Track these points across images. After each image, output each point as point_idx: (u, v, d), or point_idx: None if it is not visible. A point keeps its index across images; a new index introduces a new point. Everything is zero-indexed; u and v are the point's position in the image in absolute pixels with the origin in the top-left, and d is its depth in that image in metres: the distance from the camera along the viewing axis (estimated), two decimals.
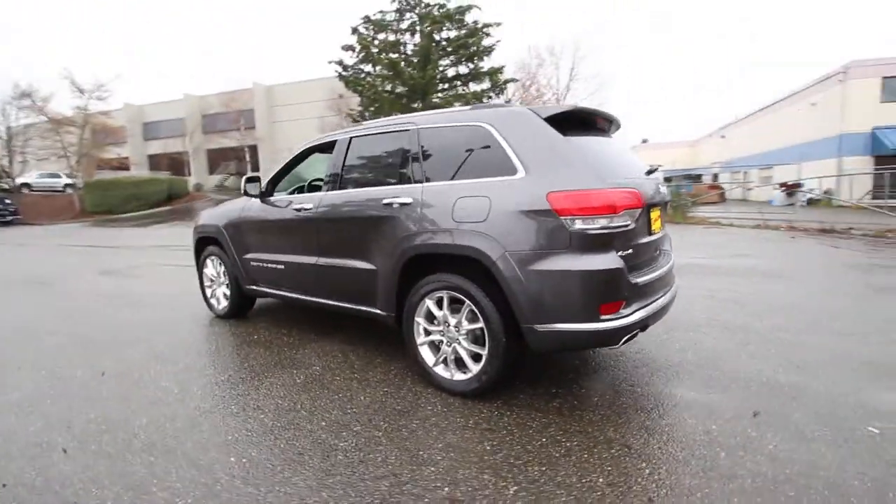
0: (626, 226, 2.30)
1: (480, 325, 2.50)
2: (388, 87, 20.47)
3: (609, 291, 2.23)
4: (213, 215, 4.39)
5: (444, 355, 2.69)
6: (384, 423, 2.38)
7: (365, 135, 3.22)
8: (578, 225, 2.21)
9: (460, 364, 2.65)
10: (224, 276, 4.31)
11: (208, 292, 4.51)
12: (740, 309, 4.32)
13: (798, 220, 11.83)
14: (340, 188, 3.23)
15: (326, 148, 3.60)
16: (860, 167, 19.26)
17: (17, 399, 2.77)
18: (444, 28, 20.12)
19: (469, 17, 20.62)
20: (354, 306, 3.17)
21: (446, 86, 21.46)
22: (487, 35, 20.32)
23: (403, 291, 2.81)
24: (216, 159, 37.62)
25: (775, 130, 25.58)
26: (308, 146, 3.67)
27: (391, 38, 21.33)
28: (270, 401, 2.66)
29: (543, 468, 1.99)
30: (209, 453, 2.14)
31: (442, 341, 2.71)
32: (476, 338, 2.59)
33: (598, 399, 2.60)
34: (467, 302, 2.52)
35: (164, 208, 24.53)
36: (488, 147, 2.55)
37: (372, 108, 20.58)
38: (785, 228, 11.51)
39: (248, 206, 3.92)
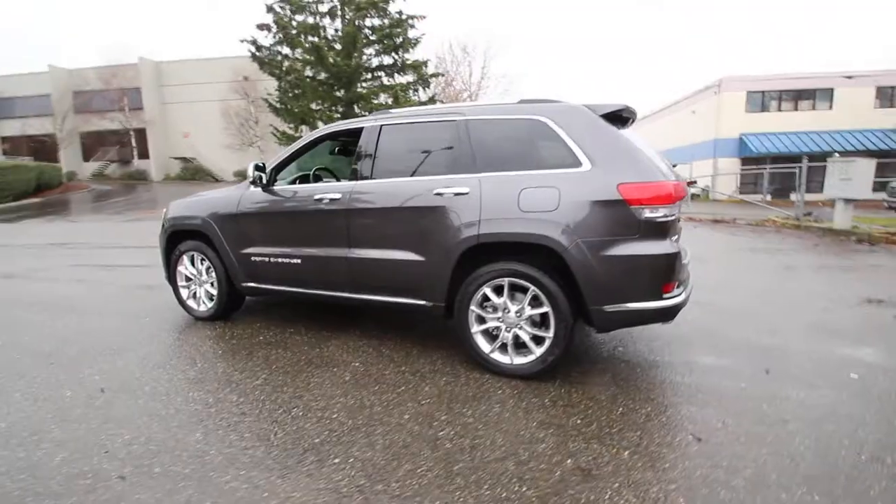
0: (675, 214, 2.59)
1: (544, 309, 2.64)
2: (310, 73, 19.46)
3: (670, 273, 2.51)
4: (192, 206, 3.92)
5: (502, 341, 2.78)
6: (467, 410, 2.41)
7: (399, 123, 3.14)
8: (647, 214, 2.44)
9: (519, 348, 2.76)
10: (208, 273, 3.89)
11: (184, 293, 4.04)
12: (698, 287, 4.98)
13: (692, 213, 13.69)
14: (373, 178, 3.12)
15: (347, 135, 3.44)
16: (731, 167, 22.80)
17: (8, 429, 2.29)
18: (369, 16, 19.61)
19: (393, 8, 20.35)
20: (392, 299, 3.11)
21: (370, 76, 20.99)
22: (412, 27, 20.23)
23: (456, 281, 2.84)
24: (93, 144, 32.72)
25: (670, 131, 29.06)
26: (323, 133, 3.47)
27: (310, 20, 20.24)
28: (331, 401, 2.53)
29: (638, 433, 2.20)
30: (329, 467, 2.01)
31: (499, 328, 2.79)
32: (534, 322, 2.72)
33: (640, 370, 2.90)
34: (532, 288, 2.64)
35: (33, 200, 20.76)
36: (548, 140, 2.67)
37: (292, 94, 19.42)
38: (685, 219, 13.27)
39: (247, 196, 3.58)
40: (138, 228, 12.24)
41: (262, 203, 3.50)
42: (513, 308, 2.73)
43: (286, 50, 19.79)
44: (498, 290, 2.75)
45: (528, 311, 2.69)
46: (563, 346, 2.62)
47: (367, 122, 3.27)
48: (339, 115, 20.73)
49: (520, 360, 2.75)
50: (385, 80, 21.07)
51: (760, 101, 23.72)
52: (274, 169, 3.52)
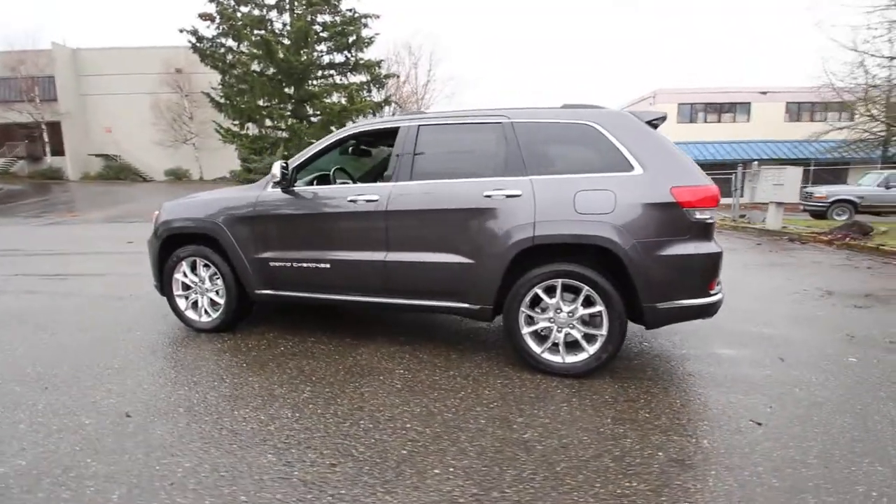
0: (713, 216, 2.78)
1: (597, 308, 2.71)
2: (257, 68, 18.51)
3: (715, 271, 2.68)
4: (195, 208, 3.60)
5: (554, 341, 2.83)
6: (538, 411, 2.42)
7: (439, 124, 3.09)
8: (697, 215, 2.59)
9: (570, 347, 2.82)
10: (212, 280, 3.59)
11: (181, 303, 3.69)
12: None
13: None
14: (413, 179, 3.04)
15: (376, 135, 3.32)
16: None
17: (33, 466, 1.97)
18: (321, 12, 19.01)
19: (345, 5, 19.89)
20: (433, 303, 3.05)
21: (321, 74, 20.36)
22: (366, 26, 19.89)
23: (505, 283, 2.84)
24: None
25: None
26: (352, 132, 3.33)
27: (256, 12, 19.28)
28: (395, 410, 2.43)
29: (705, 422, 2.33)
30: (431, 478, 1.92)
31: (550, 328, 2.83)
32: (583, 321, 2.79)
33: (674, 363, 3.06)
34: (586, 288, 2.70)
35: None
36: (598, 145, 2.76)
37: (238, 89, 18.37)
38: None
39: (266, 198, 3.35)
40: (69, 233, 10.97)
41: (285, 204, 3.29)
42: (565, 308, 2.78)
43: (231, 42, 18.66)
44: (548, 291, 2.80)
45: (581, 311, 2.76)
46: (618, 343, 2.71)
47: (401, 121, 3.19)
48: (288, 113, 19.94)
49: (572, 358, 2.80)
50: (338, 79, 20.53)
51: (689, 112, 25.91)
52: (294, 169, 3.33)
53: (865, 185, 14.57)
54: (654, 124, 2.95)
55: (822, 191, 14.34)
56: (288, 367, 2.99)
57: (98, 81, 28.91)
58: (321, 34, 19.59)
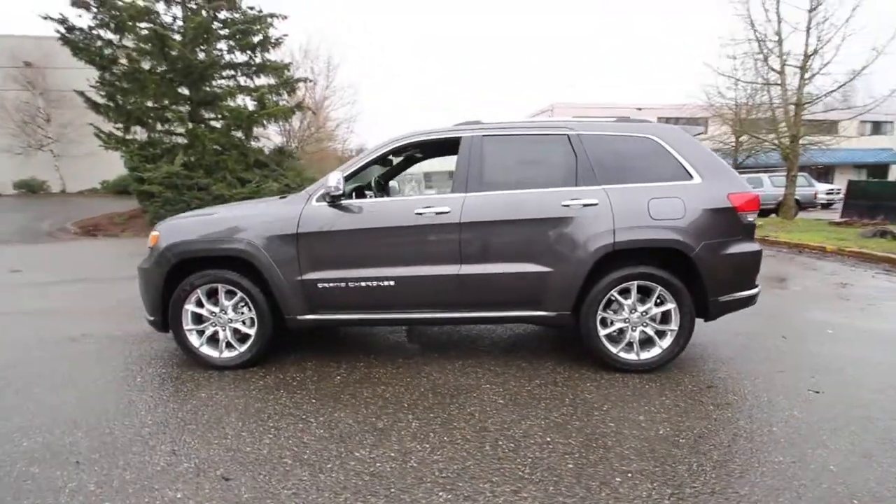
0: None
1: (668, 306, 2.95)
2: (146, 65, 16.24)
3: (759, 265, 3.07)
4: (216, 227, 3.09)
5: (629, 340, 2.99)
6: (651, 408, 2.55)
7: (504, 134, 3.09)
8: (748, 218, 2.96)
9: (643, 344, 3.01)
10: (236, 310, 3.13)
11: (195, 340, 3.15)
12: None
13: None
14: (481, 190, 3.00)
15: (434, 145, 3.20)
16: None
17: None
18: (220, 8, 17.34)
19: (246, 3, 18.40)
20: (510, 313, 3.04)
21: (225, 74, 18.56)
22: (272, 26, 18.61)
23: (583, 288, 2.94)
24: None
25: None
26: (407, 141, 3.14)
27: (140, 2, 16.96)
28: (519, 426, 2.38)
29: (780, 397, 2.67)
30: (622, 486, 1.90)
31: (624, 328, 3.00)
32: (653, 318, 3.01)
33: (708, 346, 3.43)
34: (659, 288, 2.92)
35: None
36: (659, 156, 3.00)
37: (125, 86, 15.99)
38: None
39: (312, 213, 3.01)
40: None
41: (338, 220, 3.00)
42: (640, 308, 2.96)
43: (111, 35, 16.08)
44: (621, 293, 2.96)
45: (654, 310, 2.97)
46: (688, 336, 2.97)
47: (462, 131, 3.11)
48: (186, 116, 17.81)
49: (646, 354, 2.99)
50: (242, 82, 18.88)
51: None
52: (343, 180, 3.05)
53: None
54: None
55: None
56: (366, 397, 2.73)
57: None
58: (219, 31, 17.88)
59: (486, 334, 3.85)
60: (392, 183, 4.18)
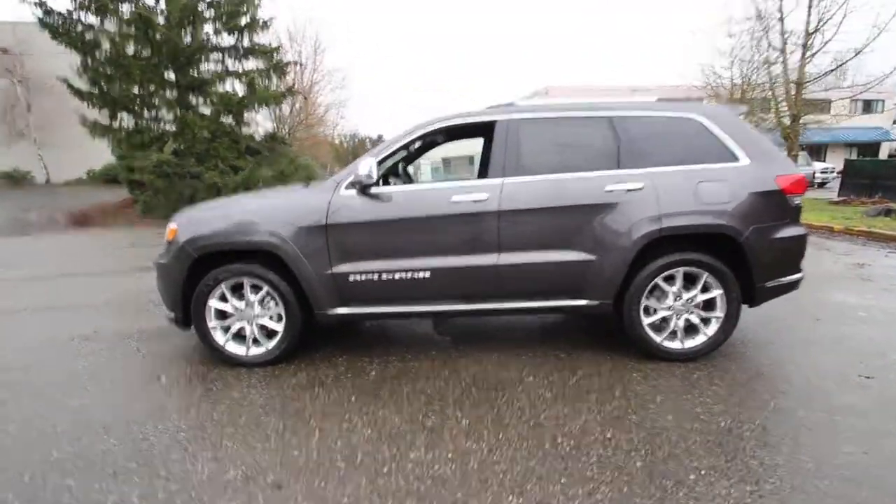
0: None
1: (714, 293, 2.86)
2: (132, 50, 15.64)
3: (805, 249, 2.99)
4: (239, 218, 2.92)
5: (673, 328, 2.91)
6: (706, 399, 2.48)
7: (541, 117, 2.94)
8: (796, 200, 2.86)
9: (688, 333, 2.93)
10: (263, 304, 2.99)
11: (220, 337, 3.00)
12: None
13: None
14: (518, 175, 2.85)
15: (467, 129, 3.04)
16: None
17: None
18: None
19: None
20: (547, 303, 2.93)
21: (209, 58, 17.95)
22: (259, 6, 17.96)
23: (628, 276, 2.84)
24: None
25: None
26: (439, 125, 2.98)
27: None
28: (575, 421, 2.29)
29: (833, 383, 2.61)
30: (702, 482, 1.82)
31: (668, 316, 2.91)
32: (697, 305, 2.92)
33: (748, 331, 3.37)
34: (706, 274, 2.82)
35: None
36: (704, 137, 2.87)
37: (109, 72, 15.40)
38: None
39: (342, 202, 2.85)
40: None
41: (370, 209, 2.84)
42: (685, 295, 2.87)
43: (91, 18, 15.41)
44: (670, 280, 2.86)
45: (700, 297, 2.87)
46: (734, 323, 2.89)
47: (497, 115, 2.96)
48: (173, 103, 17.27)
49: (690, 343, 2.91)
50: (231, 66, 18.29)
51: None
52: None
53: None
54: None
55: None
56: (406, 393, 2.62)
57: None
58: (205, 14, 17.23)
59: (518, 324, 3.75)
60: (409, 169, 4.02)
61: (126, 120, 17.24)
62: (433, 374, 2.87)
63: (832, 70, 13.29)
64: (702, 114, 2.90)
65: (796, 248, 2.92)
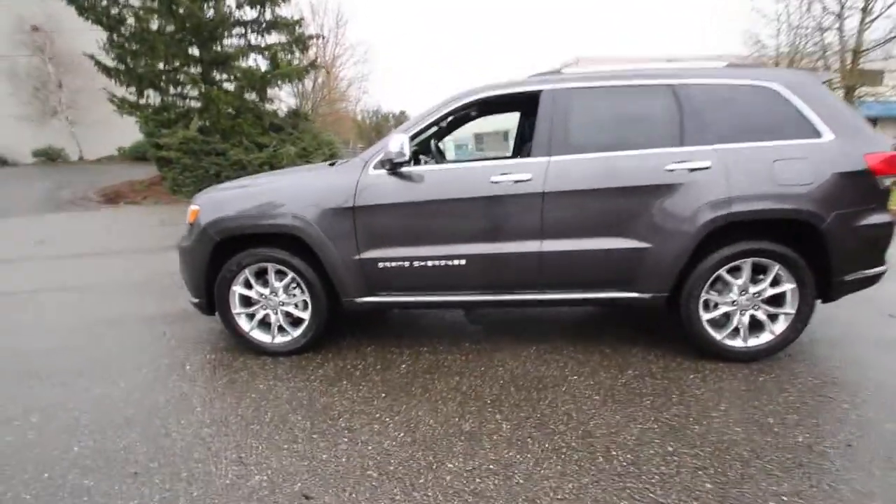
0: None
1: (787, 286, 2.54)
2: (154, 24, 15.55)
3: (891, 238, 2.62)
4: (262, 199, 2.73)
5: (735, 325, 2.62)
6: (777, 408, 2.20)
7: (593, 87, 2.62)
8: (886, 182, 2.49)
9: (751, 329, 2.63)
10: (288, 291, 2.83)
11: (245, 324, 2.87)
12: None
13: None
14: (567, 153, 2.56)
15: (509, 100, 2.75)
16: None
17: None
18: None
19: None
20: (593, 295, 2.67)
21: (234, 32, 17.73)
22: None
23: (687, 266, 2.54)
24: None
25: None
26: (479, 96, 2.69)
27: None
28: (631, 430, 2.06)
29: (893, 421, 2.30)
30: None
31: (731, 312, 2.61)
32: (766, 301, 2.61)
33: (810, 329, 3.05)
34: (777, 266, 2.51)
35: None
36: (781, 108, 2.51)
37: (135, 48, 15.41)
38: None
39: (368, 182, 2.63)
40: None
41: (400, 190, 2.61)
42: (752, 289, 2.57)
43: None
44: (734, 271, 2.56)
45: (770, 291, 2.56)
46: (806, 321, 2.57)
47: (543, 84, 2.65)
48: (198, 79, 17.22)
49: (754, 341, 2.62)
50: (253, 40, 18.04)
51: None
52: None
53: None
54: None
55: None
56: (440, 391, 2.44)
57: None
58: None
59: (556, 315, 3.51)
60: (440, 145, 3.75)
61: (152, 97, 17.37)
62: (467, 368, 2.67)
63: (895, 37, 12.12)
64: (780, 82, 2.52)
65: (882, 237, 2.55)
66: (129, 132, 20.93)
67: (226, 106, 16.24)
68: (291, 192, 2.74)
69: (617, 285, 2.64)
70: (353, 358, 2.85)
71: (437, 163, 3.05)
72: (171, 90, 17.46)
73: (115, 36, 15.66)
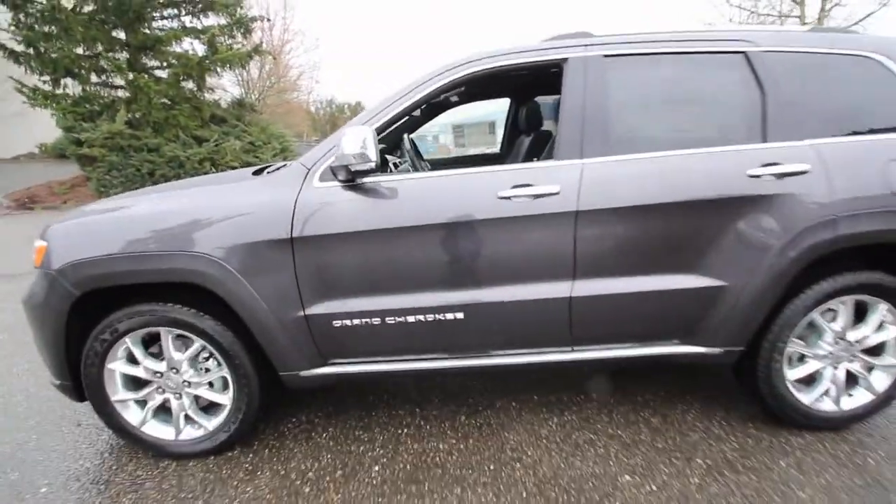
0: None
1: (893, 331, 1.88)
2: (70, 4, 13.59)
3: None
4: (147, 229, 1.77)
5: (827, 384, 1.93)
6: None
7: (639, 53, 1.82)
8: None
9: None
10: (196, 367, 1.90)
11: (134, 414, 1.92)
12: None
13: None
14: (607, 154, 1.76)
15: (512, 74, 1.91)
16: None
17: None
18: None
19: None
20: (640, 352, 1.90)
21: (165, 14, 15.90)
22: None
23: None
24: None
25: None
26: (470, 70, 1.82)
27: None
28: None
29: None
30: None
31: (823, 366, 1.92)
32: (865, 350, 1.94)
33: None
34: (885, 305, 1.83)
35: None
36: (886, 87, 1.81)
37: (46, 30, 13.44)
38: None
39: (314, 199, 1.73)
40: None
41: (361, 211, 1.73)
42: (850, 335, 1.88)
43: None
44: (832, 315, 1.87)
45: (873, 338, 1.89)
46: None
47: (567, 50, 1.83)
48: (125, 66, 15.34)
49: (849, 403, 1.95)
50: (188, 22, 16.24)
51: None
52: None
53: None
54: None
55: None
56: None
57: None
58: None
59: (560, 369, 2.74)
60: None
61: (71, 86, 15.31)
62: (470, 466, 1.84)
63: (859, 21, 12.21)
64: (881, 51, 1.83)
65: None
66: (52, 127, 18.60)
67: (158, 95, 14.54)
68: (194, 216, 1.78)
69: (673, 337, 1.89)
70: (302, 456, 1.96)
71: (413, 167, 2.18)
72: (94, 78, 15.47)
73: (21, 15, 13.56)
